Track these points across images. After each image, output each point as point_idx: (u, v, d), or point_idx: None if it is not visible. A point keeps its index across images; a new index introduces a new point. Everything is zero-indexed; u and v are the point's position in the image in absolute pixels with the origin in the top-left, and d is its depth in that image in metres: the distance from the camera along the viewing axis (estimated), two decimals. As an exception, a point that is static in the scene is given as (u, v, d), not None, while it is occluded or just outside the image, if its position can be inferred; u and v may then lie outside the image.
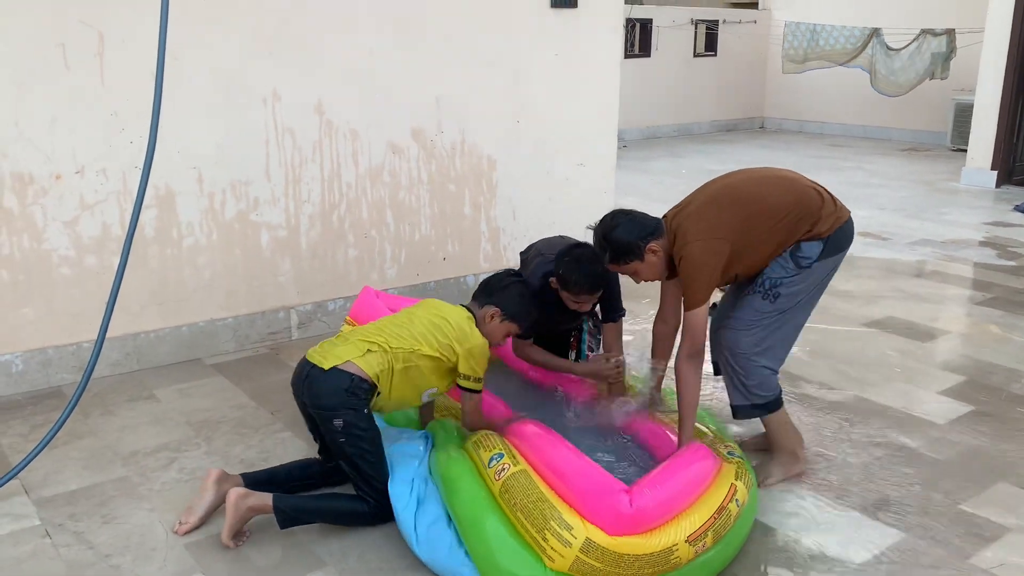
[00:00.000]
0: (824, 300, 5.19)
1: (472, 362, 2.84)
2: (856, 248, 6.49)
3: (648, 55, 13.15)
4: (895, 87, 12.08)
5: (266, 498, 2.71)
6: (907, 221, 7.49)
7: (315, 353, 2.80)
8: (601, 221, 3.06)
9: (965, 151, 9.62)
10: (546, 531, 2.35)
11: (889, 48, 11.99)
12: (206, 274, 4.24)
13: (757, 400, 3.10)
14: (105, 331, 2.97)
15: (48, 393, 3.86)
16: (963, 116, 11.00)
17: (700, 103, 14.05)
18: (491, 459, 2.65)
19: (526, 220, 5.25)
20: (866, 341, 4.60)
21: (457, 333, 2.84)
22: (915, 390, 3.97)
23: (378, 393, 2.77)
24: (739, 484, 2.66)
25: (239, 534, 2.71)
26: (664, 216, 3.06)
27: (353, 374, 2.71)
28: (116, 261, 3.95)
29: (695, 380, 2.95)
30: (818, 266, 2.99)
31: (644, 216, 3.03)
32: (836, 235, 2.99)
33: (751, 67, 14.47)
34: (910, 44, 11.82)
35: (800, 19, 12.93)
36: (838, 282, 5.62)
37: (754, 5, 15.24)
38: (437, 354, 2.80)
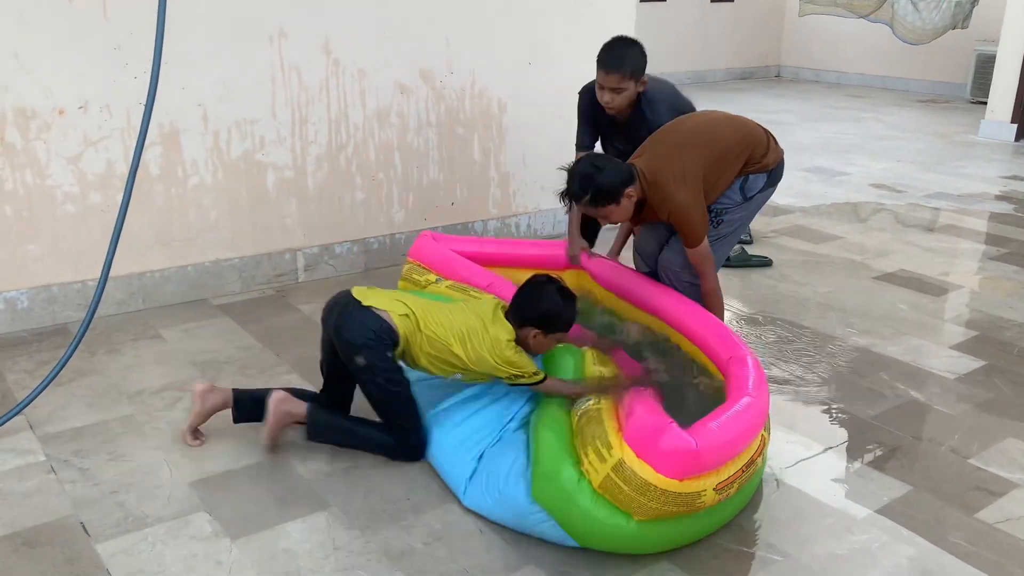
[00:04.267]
0: (835, 251, 5.18)
1: (511, 368, 2.75)
2: (869, 200, 6.45)
3: (664, 0, 12.86)
4: (918, 34, 11.79)
5: (302, 407, 2.81)
6: (923, 174, 7.37)
7: (359, 290, 2.84)
8: (580, 163, 3.16)
9: (985, 103, 9.42)
10: (589, 446, 2.39)
11: (915, -3, 11.68)
12: (212, 214, 4.19)
13: None
14: (108, 269, 2.95)
15: (53, 330, 3.86)
16: (984, 68, 10.76)
17: (715, 50, 13.77)
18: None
19: (536, 166, 5.17)
20: (877, 294, 4.55)
21: (490, 345, 2.75)
22: (926, 344, 3.93)
23: (402, 351, 2.80)
24: (767, 436, 2.64)
25: (198, 433, 2.93)
26: (630, 163, 3.21)
27: (384, 320, 2.73)
28: (120, 199, 3.90)
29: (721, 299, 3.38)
30: (758, 197, 3.40)
31: (618, 162, 3.16)
32: (776, 169, 3.40)
33: (769, 13, 14.15)
34: (935, -9, 11.52)
35: (821, -37, 12.61)
36: (851, 234, 5.58)
37: (774, -51, 14.85)
38: (465, 356, 2.76)
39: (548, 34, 5.04)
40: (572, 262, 3.75)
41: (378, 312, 2.74)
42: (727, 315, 4.25)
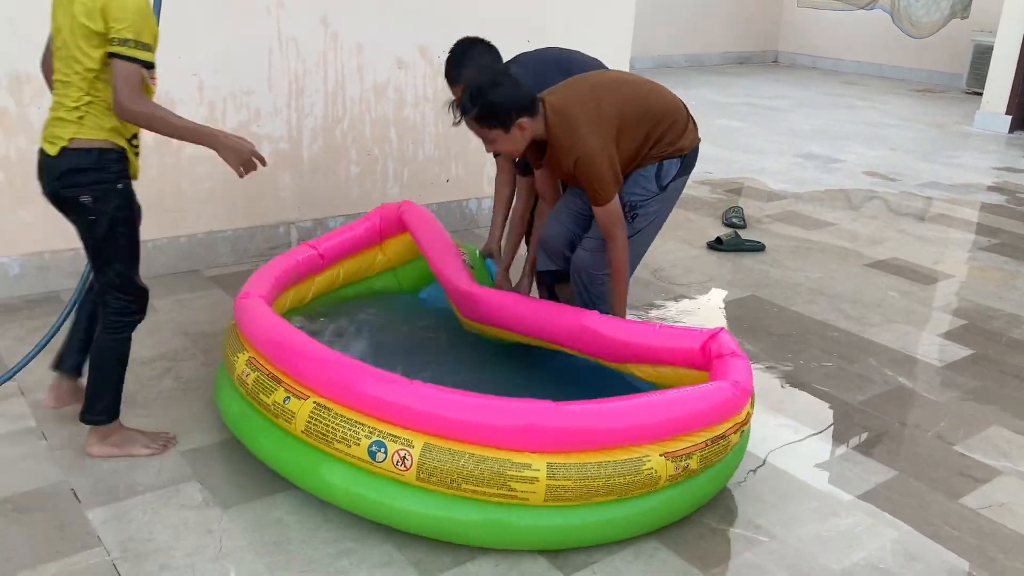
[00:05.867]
0: (827, 238, 5.20)
1: (127, 19, 2.29)
2: (862, 187, 6.46)
3: (663, -19, 12.79)
4: (919, 28, 11.78)
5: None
6: (916, 163, 7.39)
7: (44, 139, 2.50)
8: (483, 73, 2.89)
9: (980, 94, 9.44)
10: (508, 482, 2.26)
11: (915, -12, 11.66)
12: (206, 185, 4.17)
13: (601, 310, 3.06)
14: (102, 237, 2.93)
15: (45, 297, 3.84)
16: (981, 58, 10.75)
17: (713, 33, 13.72)
18: (372, 449, 2.32)
19: (532, 144, 5.15)
20: (867, 281, 4.58)
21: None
22: (915, 331, 3.96)
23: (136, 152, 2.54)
24: (750, 412, 2.65)
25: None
26: (539, 97, 2.88)
27: (89, 149, 2.43)
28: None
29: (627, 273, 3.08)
30: (672, 186, 3.11)
31: (525, 86, 2.84)
32: (691, 154, 3.13)
33: (768, -1, 14.11)
34: (934, -18, 11.50)
35: (821, -50, 12.57)
36: (843, 221, 5.60)
37: (775, -67, 14.77)
38: (100, 47, 2.34)
39: (548, 13, 5.01)
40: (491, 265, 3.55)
41: (71, 148, 2.41)
42: (717, 294, 4.27)
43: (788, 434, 3.06)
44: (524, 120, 2.79)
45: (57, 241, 3.88)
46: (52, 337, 2.97)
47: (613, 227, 2.93)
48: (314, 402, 2.42)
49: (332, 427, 2.36)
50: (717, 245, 4.94)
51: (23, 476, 2.58)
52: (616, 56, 5.39)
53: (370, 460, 2.31)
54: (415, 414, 2.32)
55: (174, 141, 4.02)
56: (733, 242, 4.95)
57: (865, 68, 13.31)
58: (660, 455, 2.36)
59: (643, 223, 3.10)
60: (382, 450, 2.30)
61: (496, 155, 3.13)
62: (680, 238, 5.11)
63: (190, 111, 4.02)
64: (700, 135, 3.21)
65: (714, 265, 4.72)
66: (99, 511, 2.45)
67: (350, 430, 2.34)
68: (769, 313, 4.10)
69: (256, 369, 2.60)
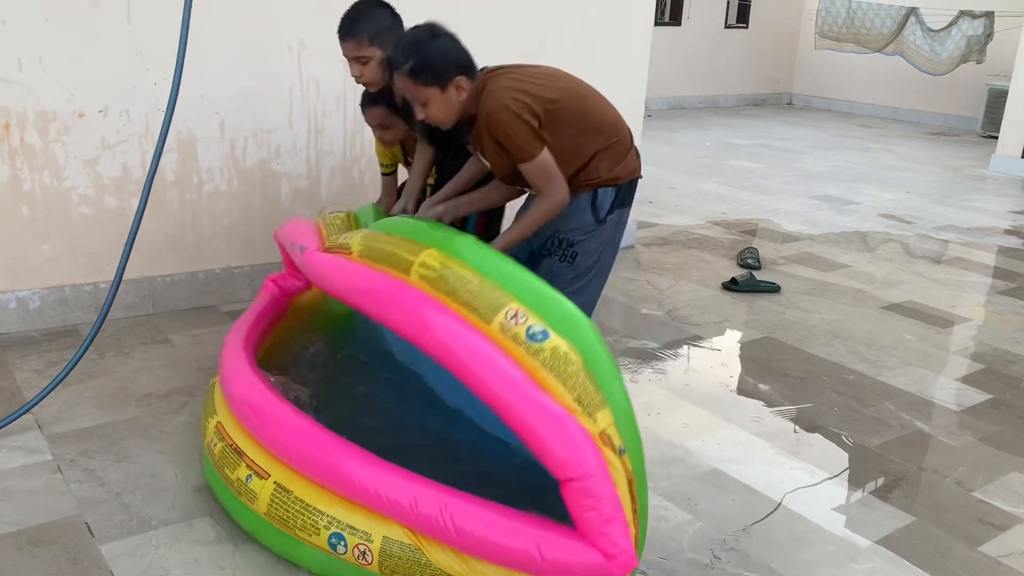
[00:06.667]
0: (843, 280, 5.19)
1: None
2: (878, 230, 6.46)
3: (678, 23, 12.96)
4: (934, 64, 11.85)
5: None
6: (932, 206, 7.39)
7: None
8: (418, 27, 2.63)
9: (996, 138, 9.45)
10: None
11: (929, 29, 11.75)
12: (224, 221, 4.22)
13: None
14: (122, 273, 2.98)
15: (63, 331, 3.88)
16: (996, 102, 10.79)
17: (728, 75, 13.85)
18: (332, 542, 2.22)
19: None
20: (883, 323, 4.55)
21: None
22: (931, 375, 3.93)
23: None
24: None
25: None
26: (482, 69, 2.71)
27: None
28: (135, 203, 3.93)
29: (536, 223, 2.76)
30: (610, 219, 2.87)
31: (464, 47, 2.65)
32: (627, 187, 2.88)
33: (782, 41, 14.24)
34: (949, 26, 11.58)
35: (836, -5, 12.69)
36: (859, 263, 5.59)
37: (789, -22, 14.95)
38: None
39: (565, 55, 5.07)
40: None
41: None
42: (732, 335, 4.26)
43: (804, 477, 3.03)
44: (462, 79, 2.53)
45: (77, 276, 3.93)
46: (69, 371, 3.00)
47: (545, 183, 2.65)
48: (275, 483, 2.31)
49: (292, 513, 2.26)
50: (732, 286, 4.94)
51: (38, 509, 2.59)
52: (631, 96, 5.45)
53: (331, 551, 2.20)
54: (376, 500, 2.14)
55: (193, 177, 4.09)
56: (748, 283, 4.94)
57: (880, 111, 13.37)
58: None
59: (586, 261, 2.86)
60: (342, 543, 2.19)
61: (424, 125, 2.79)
62: (695, 278, 5.12)
63: (211, 149, 4.09)
64: (641, 168, 2.98)
65: (729, 306, 4.72)
66: (113, 545, 2.45)
67: (309, 518, 2.23)
68: (785, 354, 4.08)
69: (222, 439, 2.51)
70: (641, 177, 2.97)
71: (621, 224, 2.95)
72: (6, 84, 3.56)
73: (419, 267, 2.26)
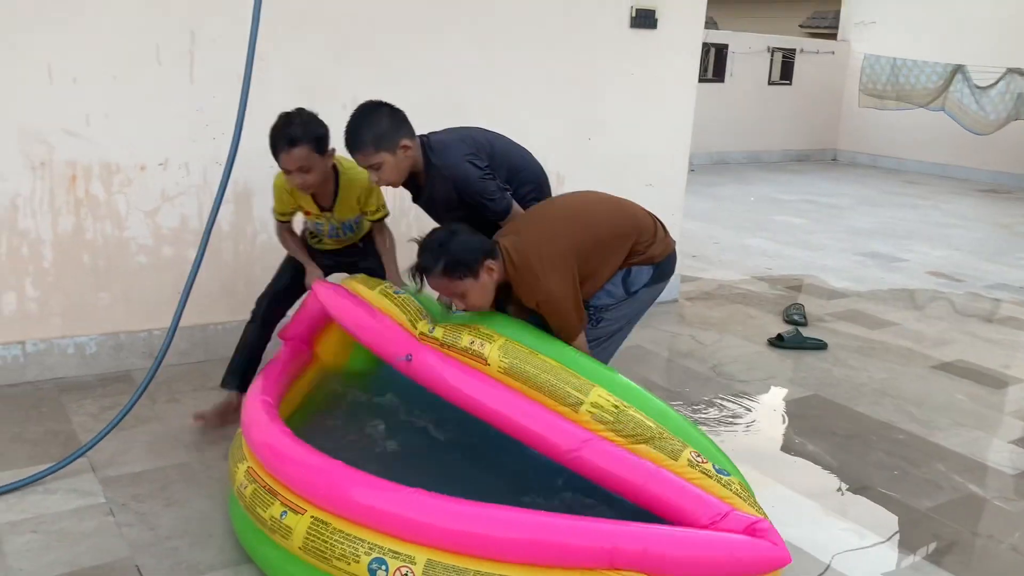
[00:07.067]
0: (891, 338, 5.12)
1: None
2: (927, 287, 6.37)
3: (722, 80, 13.08)
4: (982, 124, 11.76)
5: None
6: (982, 263, 7.28)
7: None
8: (433, 232, 2.81)
9: (1047, 195, 9.32)
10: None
11: (976, 87, 11.69)
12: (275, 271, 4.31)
13: None
14: (178, 320, 3.06)
15: (118, 376, 3.98)
16: (1047, 159, 10.66)
17: (772, 131, 13.89)
18: (372, 567, 2.25)
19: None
20: (934, 383, 4.47)
21: None
22: (985, 436, 3.85)
23: None
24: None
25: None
26: (494, 240, 2.85)
27: None
28: (191, 253, 4.05)
29: None
30: (644, 292, 3.02)
31: (477, 232, 2.80)
32: (665, 262, 3.04)
33: (827, 98, 14.27)
34: (997, 83, 11.51)
35: (880, 52, 12.72)
36: (908, 321, 5.51)
37: (833, 36, 15.05)
38: None
39: (609, 110, 5.16)
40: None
41: None
42: (778, 392, 4.22)
43: (852, 539, 2.97)
44: (491, 262, 2.71)
45: (132, 322, 4.04)
46: (124, 416, 3.07)
47: (578, 348, 2.85)
48: (312, 516, 2.34)
49: (330, 543, 2.28)
50: (778, 342, 4.90)
51: (90, 551, 2.64)
52: (674, 152, 5.51)
53: None
54: (417, 526, 2.22)
55: (248, 228, 4.20)
56: (795, 339, 4.90)
57: (927, 167, 13.27)
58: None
59: (610, 327, 3.03)
60: (383, 568, 2.21)
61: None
62: (741, 334, 5.09)
63: (266, 202, 4.19)
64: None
65: (775, 362, 4.68)
66: (161, 590, 2.48)
67: (349, 546, 2.26)
68: (832, 413, 4.03)
69: (254, 481, 2.54)
70: (674, 247, 3.12)
71: (656, 294, 3.09)
72: (74, 138, 3.72)
73: (591, 407, 2.51)
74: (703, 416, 3.91)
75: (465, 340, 2.69)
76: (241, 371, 3.51)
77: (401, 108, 3.83)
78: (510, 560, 2.19)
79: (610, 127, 5.19)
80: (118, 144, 3.84)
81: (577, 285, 2.82)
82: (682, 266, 6.06)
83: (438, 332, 2.77)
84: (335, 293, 3.13)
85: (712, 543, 2.22)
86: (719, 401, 4.10)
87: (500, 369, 2.62)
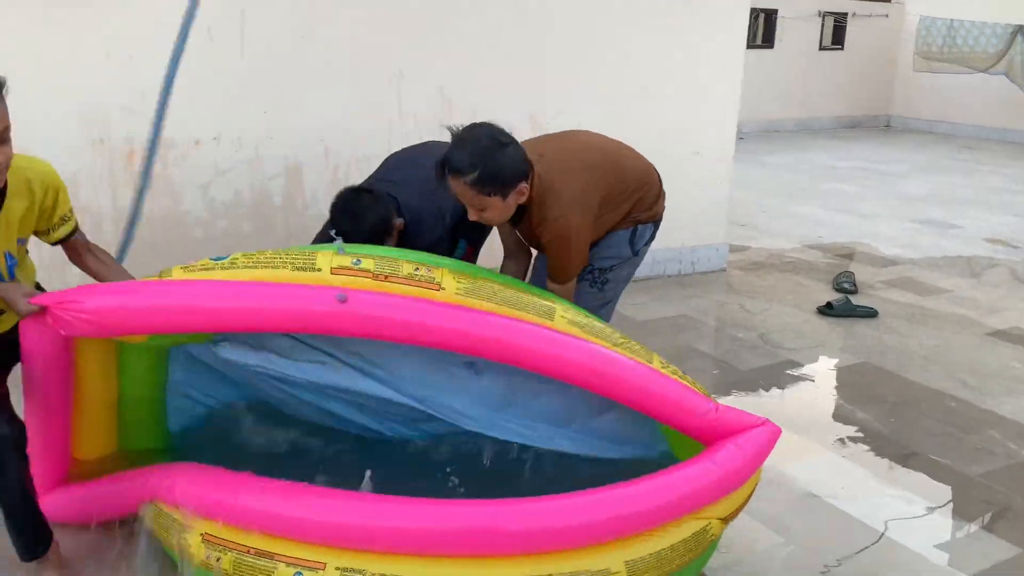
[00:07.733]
0: (944, 305, 5.03)
1: None
2: (983, 254, 6.24)
3: (771, 46, 12.84)
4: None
5: None
6: (1042, 229, 7.09)
7: None
8: (482, 127, 2.50)
9: (1112, 159, 9.02)
10: None
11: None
12: (326, 243, 4.40)
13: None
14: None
15: (177, 347, 4.10)
16: (1112, 121, 10.30)
17: (823, 98, 13.61)
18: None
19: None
20: (988, 350, 4.40)
21: None
22: (1041, 404, 3.79)
23: None
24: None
25: None
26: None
27: None
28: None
29: None
30: (642, 251, 2.99)
31: (523, 149, 2.54)
32: (660, 220, 2.99)
33: (880, 63, 13.92)
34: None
35: (936, 13, 12.35)
36: (961, 288, 5.41)
37: (887, -2, 14.64)
38: None
39: (655, 77, 5.12)
40: None
41: None
42: (828, 360, 4.19)
43: (903, 506, 2.96)
44: (524, 185, 2.51)
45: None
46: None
47: (564, 285, 2.75)
48: (336, 567, 2.04)
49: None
50: (828, 310, 4.86)
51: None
52: (723, 120, 5.45)
53: None
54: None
55: (299, 200, 4.28)
56: (844, 307, 4.85)
57: (986, 132, 12.91)
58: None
59: (615, 288, 2.99)
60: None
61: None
62: (790, 302, 5.05)
63: (316, 175, 4.28)
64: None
65: (825, 331, 4.64)
66: None
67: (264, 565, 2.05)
68: (882, 380, 3.99)
69: (226, 549, 2.12)
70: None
71: (645, 253, 3.04)
72: (131, 115, 3.82)
73: (562, 314, 2.31)
74: (751, 384, 3.90)
75: (407, 268, 2.23)
76: (32, 532, 2.26)
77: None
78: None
79: (656, 94, 5.15)
80: (173, 120, 3.90)
81: (591, 229, 2.72)
82: (731, 235, 6.02)
83: (368, 263, 2.21)
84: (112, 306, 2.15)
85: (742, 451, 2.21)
86: (767, 369, 4.09)
87: (458, 292, 2.21)
